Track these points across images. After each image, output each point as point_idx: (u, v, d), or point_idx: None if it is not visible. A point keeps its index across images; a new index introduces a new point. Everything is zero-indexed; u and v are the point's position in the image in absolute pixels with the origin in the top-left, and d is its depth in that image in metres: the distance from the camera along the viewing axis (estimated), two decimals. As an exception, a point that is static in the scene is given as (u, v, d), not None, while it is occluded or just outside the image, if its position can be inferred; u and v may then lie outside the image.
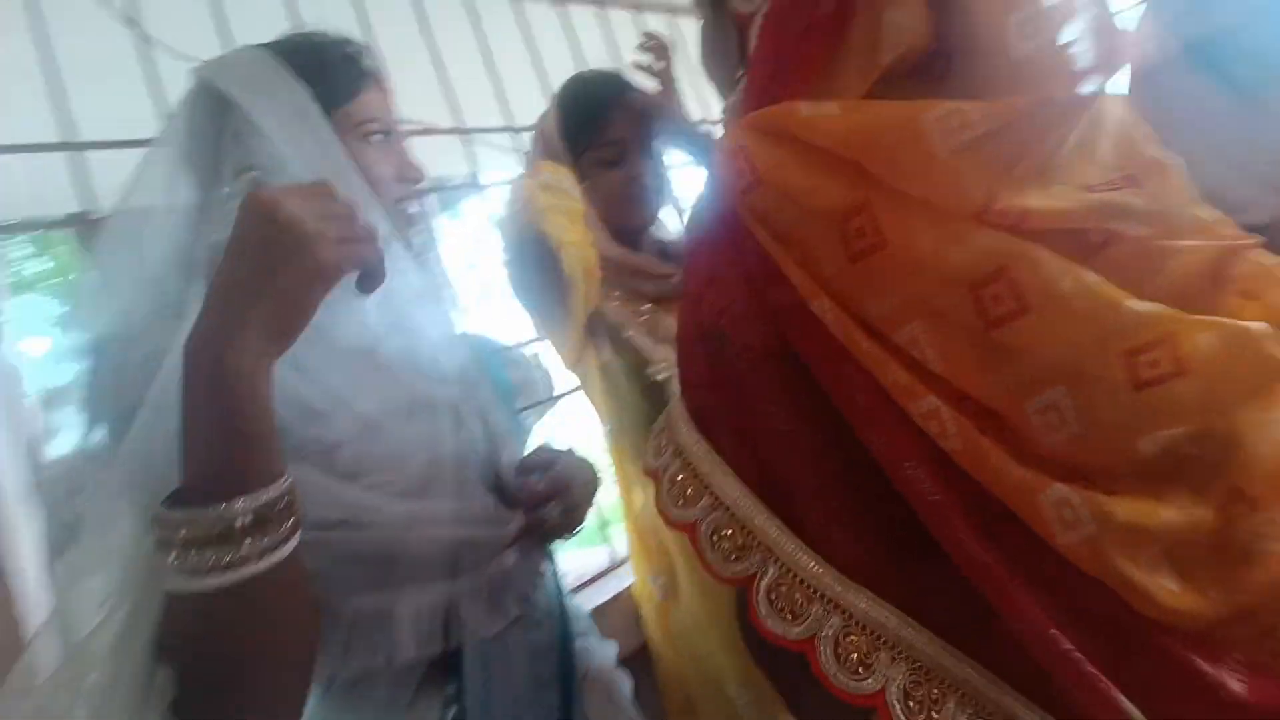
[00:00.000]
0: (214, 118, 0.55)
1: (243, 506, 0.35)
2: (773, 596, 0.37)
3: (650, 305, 1.01)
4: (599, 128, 0.94)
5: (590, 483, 0.71)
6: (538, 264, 0.88)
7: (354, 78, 0.60)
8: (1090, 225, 0.34)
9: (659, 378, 0.94)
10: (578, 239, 0.88)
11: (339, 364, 0.54)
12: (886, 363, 0.34)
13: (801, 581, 0.37)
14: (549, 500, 0.62)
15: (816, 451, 0.38)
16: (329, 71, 0.59)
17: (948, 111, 0.34)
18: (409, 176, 0.62)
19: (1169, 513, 0.31)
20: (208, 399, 0.36)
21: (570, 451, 0.71)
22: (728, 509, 0.39)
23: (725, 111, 0.56)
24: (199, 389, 0.36)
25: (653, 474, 0.44)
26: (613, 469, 0.99)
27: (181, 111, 0.57)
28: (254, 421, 0.37)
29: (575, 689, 0.59)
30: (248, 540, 0.35)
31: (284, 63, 0.56)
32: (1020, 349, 0.33)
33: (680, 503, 0.41)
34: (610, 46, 1.50)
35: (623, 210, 0.98)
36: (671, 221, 1.14)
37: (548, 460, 0.66)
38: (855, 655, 0.35)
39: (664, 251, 1.07)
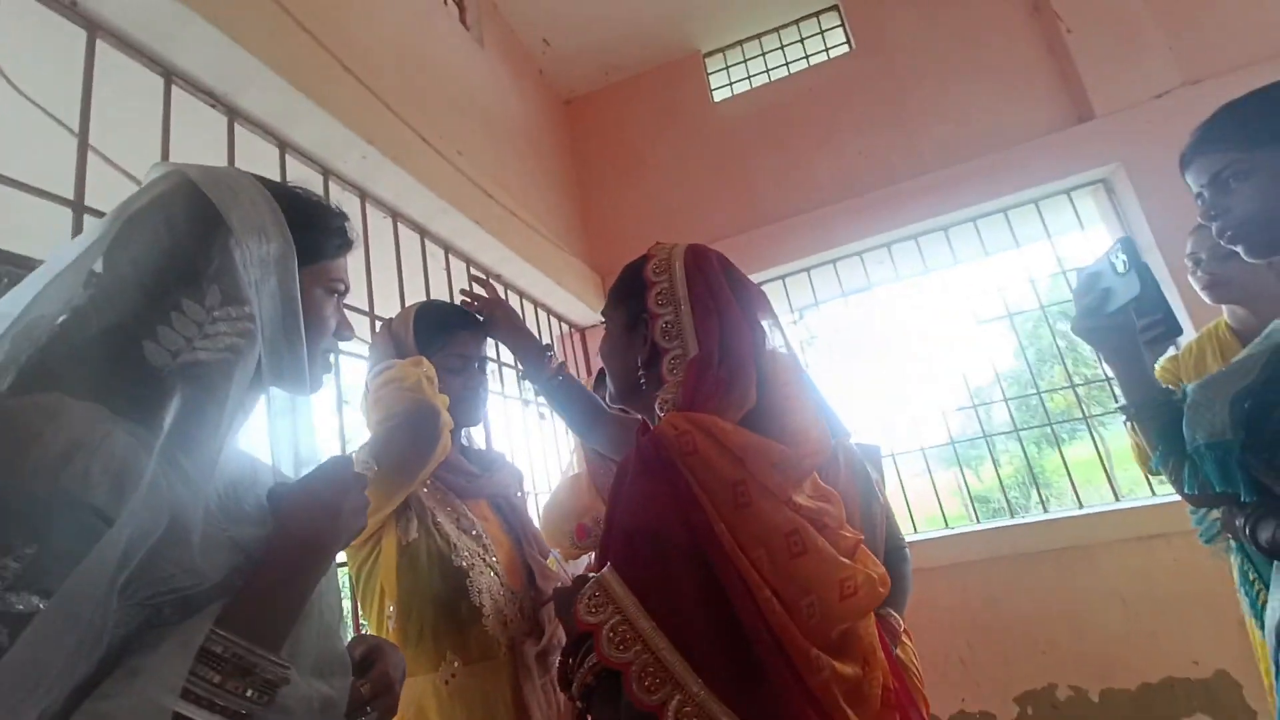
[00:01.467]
0: (200, 227, 0.56)
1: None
2: (679, 716, 0.56)
3: (456, 500, 1.11)
4: (447, 340, 1.14)
5: (401, 665, 0.72)
6: (427, 432, 0.95)
7: (340, 243, 0.70)
8: (816, 517, 0.71)
9: (460, 564, 1.01)
10: (449, 423, 1.00)
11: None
12: (747, 566, 0.62)
13: (697, 706, 0.57)
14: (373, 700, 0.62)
15: (707, 612, 0.60)
16: (323, 231, 0.68)
17: (776, 449, 0.70)
18: (343, 334, 0.72)
19: (846, 669, 0.64)
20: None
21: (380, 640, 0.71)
22: (652, 653, 0.58)
23: (637, 402, 0.84)
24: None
25: (592, 628, 0.60)
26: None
27: (161, 203, 0.57)
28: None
29: None
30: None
31: (283, 207, 0.63)
32: (802, 572, 0.64)
33: (620, 648, 0.58)
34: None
35: (456, 410, 1.13)
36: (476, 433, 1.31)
37: (373, 654, 0.67)
38: None
39: (467, 454, 1.22)
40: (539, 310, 2.52)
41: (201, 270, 0.55)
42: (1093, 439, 2.36)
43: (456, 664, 0.97)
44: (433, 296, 1.67)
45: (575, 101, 3.26)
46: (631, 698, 0.56)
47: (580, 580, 0.68)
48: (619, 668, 0.57)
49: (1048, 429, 2.52)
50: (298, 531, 0.54)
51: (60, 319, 0.52)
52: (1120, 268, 0.83)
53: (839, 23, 3.00)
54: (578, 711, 0.66)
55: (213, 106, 1.19)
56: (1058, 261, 2.50)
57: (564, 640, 1.09)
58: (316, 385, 0.68)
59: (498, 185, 2.11)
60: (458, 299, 1.34)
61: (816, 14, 3.02)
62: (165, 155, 1.06)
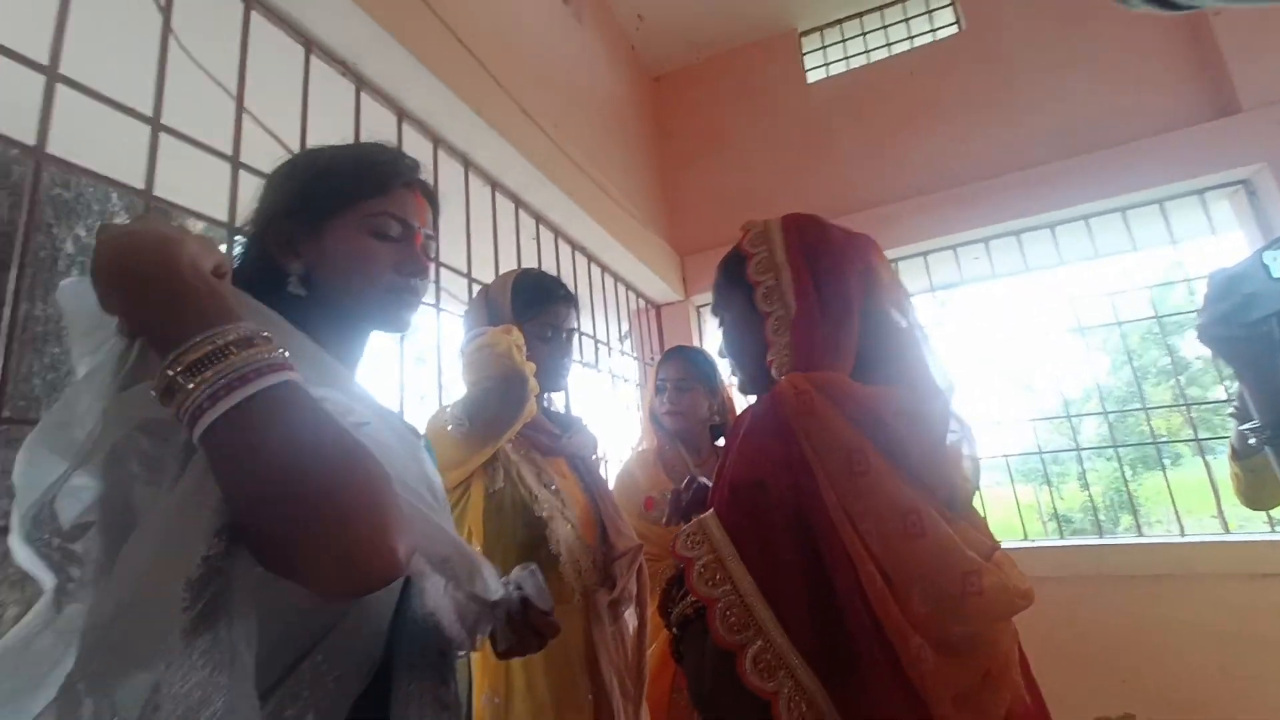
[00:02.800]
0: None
1: (227, 329, 0.42)
2: (757, 661, 0.58)
3: (539, 456, 1.18)
4: (542, 309, 1.19)
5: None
6: (516, 396, 1.02)
7: (383, 176, 0.67)
8: (939, 503, 0.68)
9: (540, 515, 1.07)
10: (535, 389, 1.07)
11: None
12: (853, 538, 0.61)
13: (776, 655, 0.58)
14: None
15: (803, 572, 0.61)
16: (362, 168, 0.67)
17: (902, 395, 0.69)
18: (406, 270, 0.67)
19: (962, 672, 0.61)
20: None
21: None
22: (739, 595, 0.60)
23: (756, 370, 0.80)
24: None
25: (686, 560, 0.62)
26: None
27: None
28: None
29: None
30: (240, 353, 0.42)
31: (320, 165, 0.67)
32: (917, 555, 0.62)
33: (709, 583, 0.61)
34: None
35: (542, 376, 1.18)
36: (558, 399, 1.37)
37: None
38: (794, 708, 0.57)
39: (549, 416, 1.28)
40: (619, 285, 2.57)
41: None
42: (1204, 464, 2.16)
43: (534, 609, 1.03)
44: (523, 264, 1.74)
45: (664, 78, 3.25)
46: (714, 632, 0.58)
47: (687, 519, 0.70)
48: (705, 602, 0.60)
49: (1147, 449, 2.34)
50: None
51: None
52: (1276, 271, 0.76)
53: (949, 1, 2.83)
54: (671, 643, 0.68)
55: (343, 75, 1.28)
56: (1180, 268, 2.29)
57: (633, 593, 1.15)
58: (398, 324, 0.68)
59: (588, 160, 2.15)
60: (584, 288, 1.38)
61: (926, -9, 2.87)
62: (304, 121, 1.16)
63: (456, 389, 1.14)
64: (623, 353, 2.63)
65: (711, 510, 0.66)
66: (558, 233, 2.06)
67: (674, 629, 0.68)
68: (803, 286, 0.74)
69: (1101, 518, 2.64)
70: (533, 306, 1.18)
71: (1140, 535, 2.23)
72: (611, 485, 1.57)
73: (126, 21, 0.98)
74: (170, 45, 0.93)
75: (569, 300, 1.25)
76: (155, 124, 0.93)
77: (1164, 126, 2.26)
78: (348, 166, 0.67)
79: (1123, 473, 2.29)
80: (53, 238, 1.67)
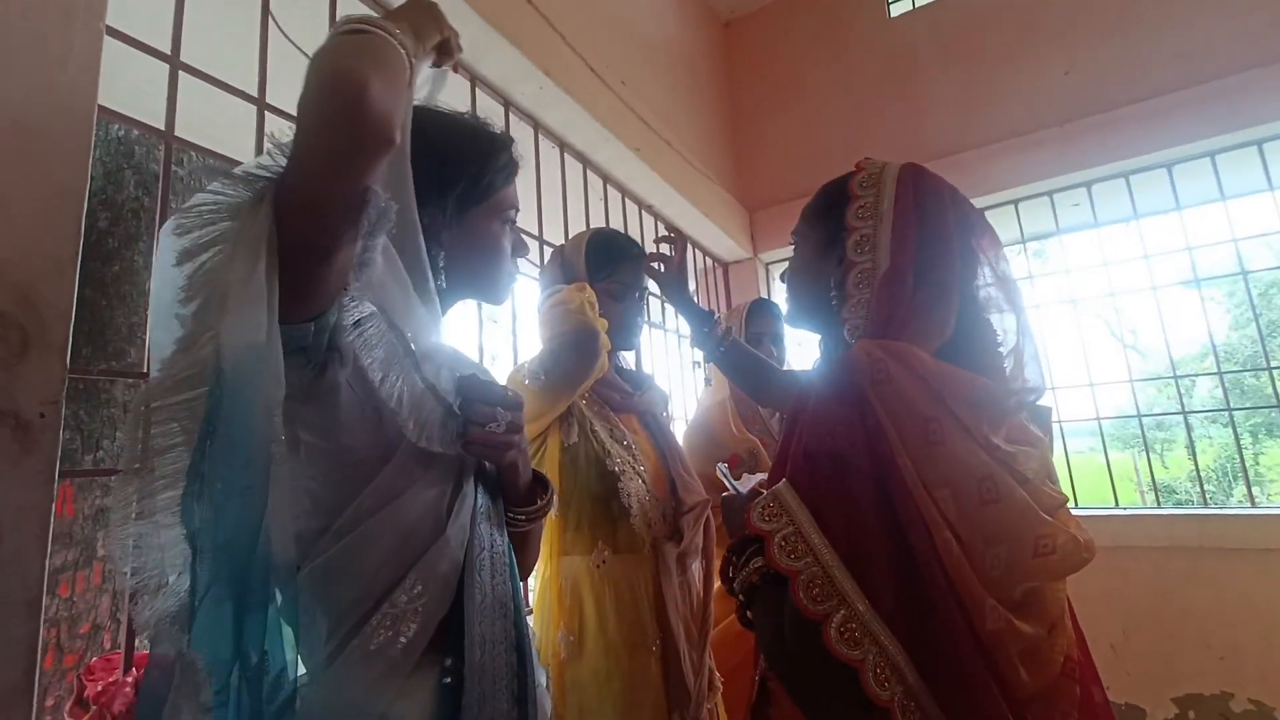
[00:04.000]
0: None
1: None
2: (842, 630, 0.59)
3: (611, 412, 1.23)
4: (615, 268, 1.21)
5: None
6: (589, 350, 1.06)
7: (512, 166, 0.74)
8: (1014, 464, 0.67)
9: (613, 469, 1.12)
10: (607, 345, 1.11)
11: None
12: (929, 504, 0.61)
13: (861, 624, 0.59)
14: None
15: (882, 540, 0.62)
16: (493, 168, 0.72)
17: (978, 383, 0.67)
18: (519, 251, 0.77)
19: (1026, 628, 0.62)
20: None
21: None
22: (821, 566, 0.61)
23: (833, 331, 0.79)
24: None
25: (764, 534, 0.63)
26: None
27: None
28: None
29: (531, 685, 0.65)
30: None
31: (459, 145, 0.70)
32: (992, 520, 0.62)
33: (791, 556, 0.62)
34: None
35: (615, 334, 1.22)
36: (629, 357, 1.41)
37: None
38: (880, 674, 0.58)
39: (621, 374, 1.32)
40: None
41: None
42: (1336, 430, 1.95)
43: (607, 552, 1.10)
44: (590, 223, 1.77)
45: (735, 23, 3.11)
46: (798, 603, 0.60)
47: (754, 494, 0.72)
48: (788, 574, 0.61)
49: (1271, 415, 2.12)
50: None
51: None
52: None
53: (1060, -89, 2.51)
54: (740, 606, 0.70)
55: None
56: (1327, 210, 2.01)
57: (699, 546, 1.19)
58: (504, 299, 0.78)
59: (656, 115, 2.12)
60: (650, 247, 1.39)
61: (1032, -98, 2.55)
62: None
63: (531, 348, 1.20)
64: (690, 311, 2.63)
65: (785, 481, 0.66)
66: (624, 191, 2.07)
67: (740, 595, 0.69)
68: (902, 244, 0.70)
69: (1211, 488, 2.45)
70: (606, 266, 1.21)
71: (1252, 507, 2.06)
72: (682, 439, 1.61)
73: (229, 7, 1.05)
74: (270, 29, 1.00)
75: (639, 258, 1.27)
76: (260, 103, 1.00)
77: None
78: (485, 153, 0.71)
79: (1236, 439, 2.10)
80: (172, 212, 1.85)
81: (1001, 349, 0.73)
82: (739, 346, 1.28)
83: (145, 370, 0.87)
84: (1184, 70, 2.12)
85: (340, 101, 0.47)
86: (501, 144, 0.74)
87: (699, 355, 2.56)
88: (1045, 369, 0.75)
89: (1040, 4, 2.41)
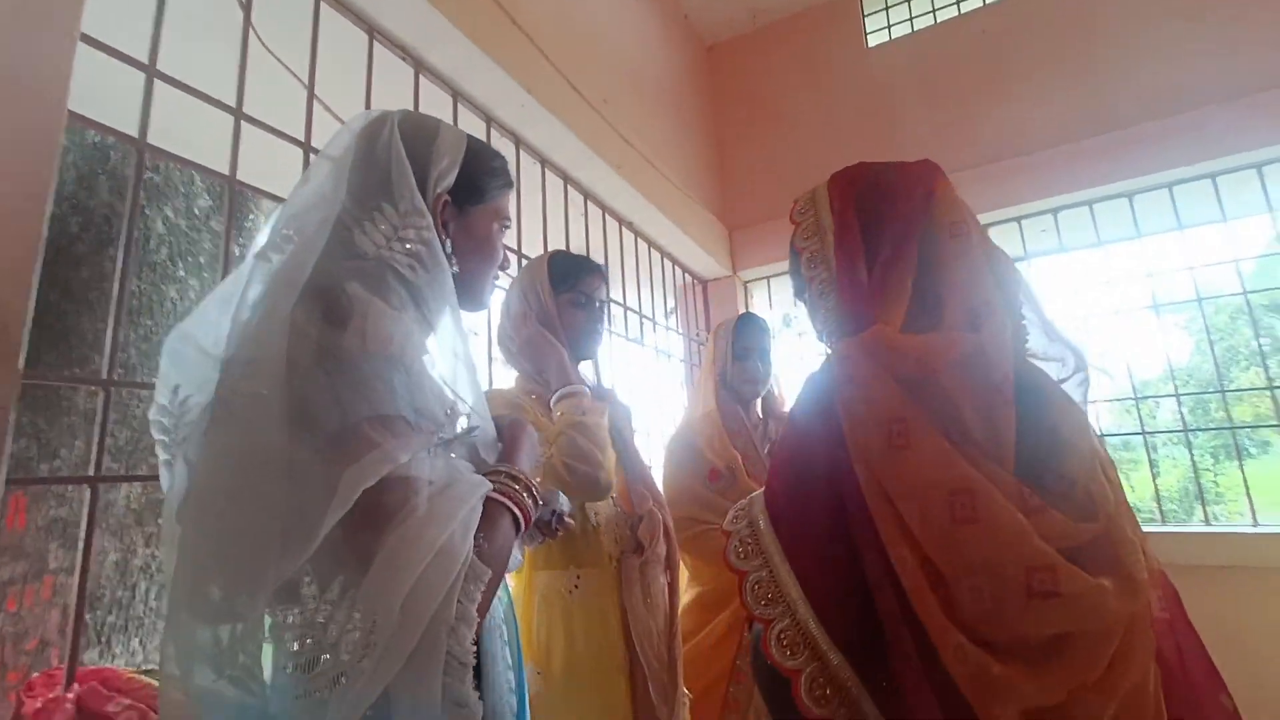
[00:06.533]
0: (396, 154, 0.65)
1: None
2: (780, 639, 0.56)
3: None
4: (575, 282, 1.24)
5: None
6: (591, 493, 1.06)
7: (506, 182, 0.78)
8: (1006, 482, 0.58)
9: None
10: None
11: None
12: (887, 520, 0.57)
13: (801, 633, 0.55)
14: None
15: (837, 552, 0.58)
16: (495, 173, 0.76)
17: (964, 341, 0.60)
18: (504, 263, 0.80)
19: (1034, 686, 0.50)
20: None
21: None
22: (770, 569, 0.59)
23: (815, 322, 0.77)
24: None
25: (739, 574, 0.60)
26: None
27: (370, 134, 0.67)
28: None
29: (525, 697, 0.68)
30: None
31: (474, 147, 0.73)
32: (966, 543, 0.52)
33: (741, 556, 0.60)
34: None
35: (578, 343, 1.23)
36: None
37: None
38: (820, 692, 0.54)
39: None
40: (665, 260, 2.58)
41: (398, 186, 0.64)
42: (1288, 452, 2.02)
43: (579, 575, 1.10)
44: (570, 239, 1.79)
45: (718, 47, 3.18)
46: (745, 607, 0.57)
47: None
48: (761, 623, 0.57)
49: (1225, 436, 2.20)
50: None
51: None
52: None
53: (1028, -48, 2.63)
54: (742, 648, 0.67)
55: (403, 59, 1.34)
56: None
57: (662, 555, 1.19)
58: (483, 305, 0.78)
59: (638, 134, 2.15)
60: (631, 262, 1.40)
61: (1001, -57, 2.67)
62: (368, 106, 1.22)
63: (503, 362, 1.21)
64: (668, 329, 2.66)
65: (763, 507, 0.64)
66: (605, 208, 2.09)
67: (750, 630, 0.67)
68: (843, 242, 0.70)
69: (1173, 507, 2.52)
70: (567, 278, 1.24)
71: (1208, 525, 2.12)
72: (664, 451, 1.62)
73: (211, 20, 1.05)
74: (250, 40, 1.00)
75: (598, 272, 1.30)
76: (238, 113, 1.00)
77: (1267, 83, 2.06)
78: (490, 156, 0.76)
79: (1192, 459, 2.17)
80: (145, 218, 1.83)
81: (977, 287, 0.66)
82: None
83: (107, 377, 0.85)
84: (1145, 105, 2.22)
85: None
86: (500, 156, 0.79)
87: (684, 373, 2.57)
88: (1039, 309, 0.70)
89: (1010, 41, 2.51)
